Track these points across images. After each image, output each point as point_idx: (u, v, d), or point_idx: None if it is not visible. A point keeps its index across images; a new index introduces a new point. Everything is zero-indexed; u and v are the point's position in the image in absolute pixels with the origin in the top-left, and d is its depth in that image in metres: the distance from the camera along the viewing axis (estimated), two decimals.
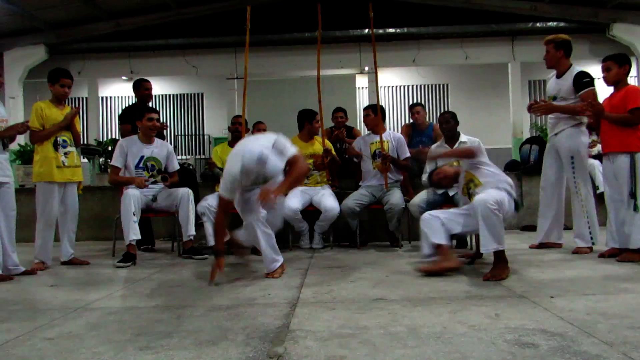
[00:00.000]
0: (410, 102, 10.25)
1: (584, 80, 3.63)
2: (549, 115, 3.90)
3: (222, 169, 4.41)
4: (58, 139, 3.74)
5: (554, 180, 3.90)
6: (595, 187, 5.60)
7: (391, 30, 9.07)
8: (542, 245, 3.97)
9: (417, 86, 11.23)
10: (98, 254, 4.44)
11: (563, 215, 3.99)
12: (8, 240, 3.35)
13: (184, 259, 4.00)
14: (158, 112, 4.29)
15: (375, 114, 4.55)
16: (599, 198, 5.41)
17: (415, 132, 5.37)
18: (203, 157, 10.95)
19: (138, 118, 4.17)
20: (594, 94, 3.59)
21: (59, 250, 3.87)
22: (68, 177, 3.79)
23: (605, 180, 3.56)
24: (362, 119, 5.03)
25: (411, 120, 5.52)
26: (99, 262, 3.94)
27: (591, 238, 3.72)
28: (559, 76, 3.80)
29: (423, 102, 10.99)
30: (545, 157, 3.99)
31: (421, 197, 4.18)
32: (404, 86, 11.24)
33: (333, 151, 4.70)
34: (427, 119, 5.59)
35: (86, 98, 10.69)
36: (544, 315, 2.03)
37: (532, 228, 4.88)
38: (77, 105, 10.77)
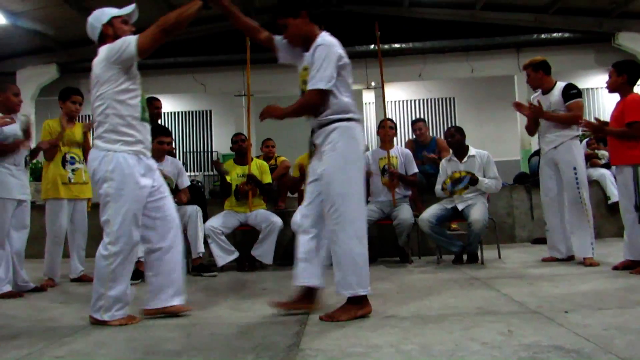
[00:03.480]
0: (418, 117, 10.25)
1: (571, 92, 3.82)
2: (549, 133, 3.92)
3: (227, 172, 4.47)
4: (67, 155, 3.78)
5: (558, 191, 3.94)
6: (607, 198, 5.55)
7: (397, 45, 9.10)
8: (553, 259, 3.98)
9: (423, 100, 11.24)
10: None
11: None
12: (17, 257, 3.37)
13: (193, 277, 3.99)
14: (171, 135, 4.32)
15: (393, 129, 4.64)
16: (611, 208, 5.38)
17: (419, 147, 5.39)
18: (211, 174, 10.98)
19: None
20: (579, 106, 3.78)
21: (68, 267, 3.88)
22: (75, 194, 3.81)
23: (619, 192, 3.56)
24: (370, 134, 5.04)
25: (414, 136, 5.55)
26: None
27: (592, 249, 3.72)
28: (544, 93, 3.96)
29: (430, 116, 11.01)
30: (543, 170, 4.04)
31: (430, 212, 4.16)
32: (411, 100, 11.25)
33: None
34: (432, 134, 5.60)
35: None
36: (558, 331, 1.99)
37: (542, 241, 4.82)
38: (87, 121, 10.88)
